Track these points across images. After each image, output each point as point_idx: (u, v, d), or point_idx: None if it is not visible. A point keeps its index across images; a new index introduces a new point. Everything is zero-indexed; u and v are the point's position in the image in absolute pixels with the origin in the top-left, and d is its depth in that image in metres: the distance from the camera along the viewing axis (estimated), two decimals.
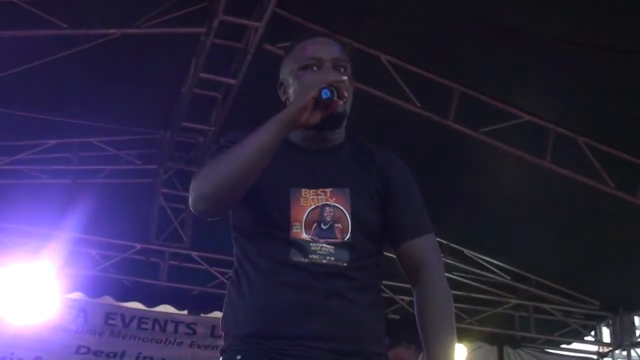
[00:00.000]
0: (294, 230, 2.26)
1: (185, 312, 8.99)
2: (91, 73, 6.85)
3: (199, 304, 8.88)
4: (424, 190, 2.47)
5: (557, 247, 8.19)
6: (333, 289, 2.23)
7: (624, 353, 9.53)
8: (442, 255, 2.59)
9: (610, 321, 9.49)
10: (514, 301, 9.36)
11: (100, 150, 8.07)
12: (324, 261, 2.25)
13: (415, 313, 2.36)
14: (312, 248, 2.25)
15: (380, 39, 6.45)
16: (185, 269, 8.77)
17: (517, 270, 9.12)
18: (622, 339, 9.31)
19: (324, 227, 2.28)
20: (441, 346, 2.29)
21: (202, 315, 8.94)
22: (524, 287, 9.22)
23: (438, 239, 2.48)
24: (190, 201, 2.26)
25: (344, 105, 2.31)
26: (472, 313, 9.15)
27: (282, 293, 2.22)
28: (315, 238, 2.26)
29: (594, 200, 7.10)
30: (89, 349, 8.32)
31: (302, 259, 2.24)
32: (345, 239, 2.28)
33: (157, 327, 8.66)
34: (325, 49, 2.41)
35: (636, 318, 9.63)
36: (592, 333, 9.75)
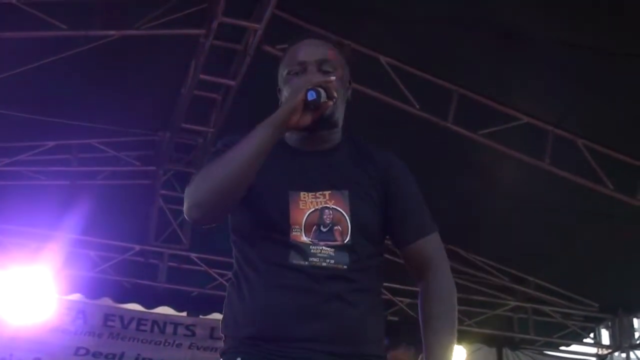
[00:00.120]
0: (294, 233, 2.26)
1: (184, 313, 9.00)
2: (91, 74, 6.85)
3: (198, 305, 8.89)
4: (422, 192, 2.47)
5: (556, 249, 8.18)
6: (333, 291, 2.23)
7: (623, 355, 9.53)
8: None
9: (610, 323, 9.48)
10: (513, 303, 9.36)
11: (100, 152, 8.07)
12: (324, 264, 2.25)
13: (419, 310, 2.37)
14: (312, 251, 2.25)
15: (380, 40, 6.45)
16: (184, 270, 8.76)
17: (516, 272, 9.11)
18: (621, 341, 9.30)
19: (324, 230, 2.28)
20: (439, 346, 2.30)
21: (201, 316, 8.95)
22: (523, 289, 9.21)
23: None
24: (184, 209, 2.26)
25: (334, 105, 2.31)
26: (471, 315, 9.15)
27: (282, 295, 2.22)
28: (315, 241, 2.26)
29: (593, 202, 7.09)
30: (87, 351, 8.33)
31: (302, 262, 2.24)
32: (345, 242, 2.28)
33: (156, 328, 8.66)
34: (310, 52, 2.41)
35: (635, 320, 9.65)
36: (591, 335, 9.75)
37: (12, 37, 6.16)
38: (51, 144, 7.88)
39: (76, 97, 7.06)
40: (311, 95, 2.21)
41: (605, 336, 9.78)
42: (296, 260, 2.24)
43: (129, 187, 8.39)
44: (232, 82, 6.71)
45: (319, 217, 2.28)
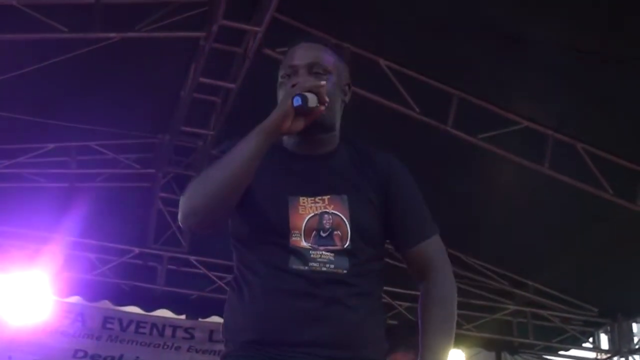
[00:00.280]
0: (293, 238, 2.26)
1: (183, 316, 9.00)
2: (90, 77, 6.85)
3: (197, 308, 8.89)
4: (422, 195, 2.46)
5: (555, 254, 8.18)
6: (333, 296, 2.23)
7: None
8: None
9: (609, 328, 9.47)
10: (512, 307, 9.35)
11: (99, 154, 8.07)
12: (324, 269, 2.25)
13: (418, 311, 2.37)
14: (311, 256, 2.25)
15: (380, 43, 6.46)
16: (183, 273, 8.76)
17: (515, 277, 9.10)
18: (621, 346, 9.29)
19: (323, 235, 2.27)
20: (436, 346, 2.30)
21: (200, 319, 8.94)
22: (522, 293, 9.20)
23: None
24: (179, 217, 2.27)
25: (328, 109, 2.30)
26: (471, 319, 9.14)
27: (282, 300, 2.22)
28: (315, 246, 2.26)
29: (593, 207, 7.09)
30: (86, 353, 8.32)
31: (301, 267, 2.24)
32: (345, 246, 2.28)
33: (155, 331, 8.65)
34: (302, 55, 2.40)
35: (634, 325, 9.62)
36: (590, 339, 9.74)
37: (12, 39, 6.16)
38: (50, 146, 7.88)
39: (76, 100, 7.06)
40: (296, 102, 2.19)
41: (604, 341, 9.76)
42: (296, 265, 2.24)
43: (128, 189, 8.39)
44: (231, 85, 6.71)
45: (318, 222, 2.28)
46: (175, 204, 7.69)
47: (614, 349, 9.43)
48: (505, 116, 6.67)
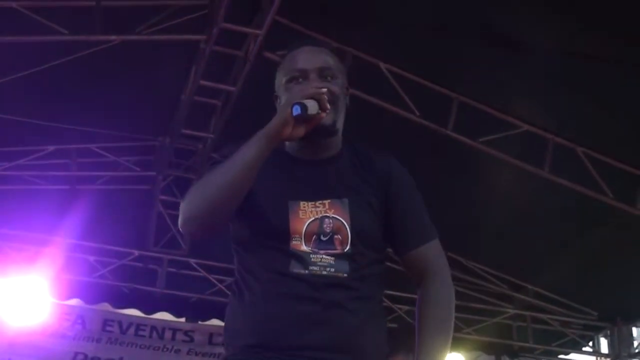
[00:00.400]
0: (294, 242, 2.27)
1: (183, 319, 8.99)
2: (91, 79, 6.85)
3: (197, 311, 8.89)
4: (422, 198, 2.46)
5: (555, 257, 8.18)
6: (333, 299, 2.23)
7: None
8: None
9: (608, 332, 9.47)
10: (511, 311, 9.35)
11: (99, 157, 8.06)
12: (324, 272, 2.25)
13: (416, 314, 2.38)
14: (312, 259, 2.25)
15: (380, 47, 6.46)
16: (183, 276, 8.76)
17: (515, 280, 9.10)
18: (620, 350, 9.29)
19: (324, 239, 2.28)
20: (432, 348, 2.30)
21: (200, 322, 8.94)
22: (522, 296, 9.20)
23: None
24: (179, 222, 2.27)
25: (332, 115, 2.30)
26: (470, 322, 9.13)
27: (282, 304, 2.23)
28: (315, 250, 2.26)
29: (593, 210, 7.09)
30: (86, 356, 8.31)
31: (302, 271, 2.24)
32: (345, 250, 2.28)
33: (154, 334, 8.65)
34: (311, 59, 2.39)
35: (634, 329, 9.62)
36: (590, 343, 9.73)
37: (13, 42, 6.16)
38: (51, 148, 7.88)
39: (76, 102, 7.06)
40: (295, 110, 2.18)
41: (604, 345, 9.76)
42: (296, 269, 2.25)
43: (128, 192, 8.39)
44: (232, 88, 6.71)
45: (319, 226, 2.28)
46: (176, 206, 7.70)
47: (614, 353, 9.43)
48: (506, 120, 6.67)
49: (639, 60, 5.69)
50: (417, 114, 6.62)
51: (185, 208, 2.25)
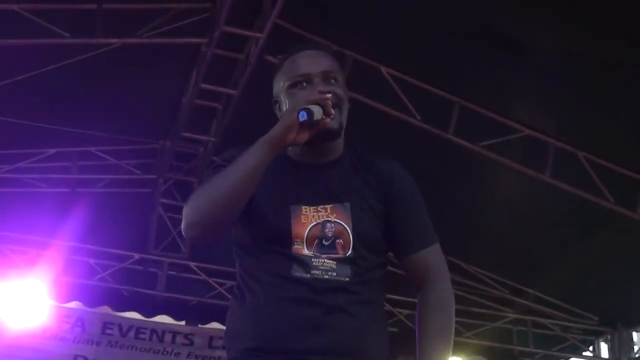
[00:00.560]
0: (296, 246, 2.27)
1: (183, 322, 9.00)
2: (92, 82, 6.85)
3: (197, 314, 8.89)
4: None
5: (556, 262, 8.17)
6: (335, 303, 2.23)
7: None
8: None
9: (609, 336, 9.45)
10: (512, 315, 9.34)
11: (100, 160, 8.07)
12: (326, 276, 2.25)
13: (416, 319, 2.37)
14: (314, 263, 2.25)
15: (381, 51, 6.46)
16: (183, 279, 8.76)
17: (515, 284, 9.09)
18: (621, 355, 9.27)
19: (326, 243, 2.27)
20: (434, 353, 2.29)
21: (199, 326, 8.94)
22: (522, 301, 9.19)
23: None
24: (182, 228, 2.28)
25: (334, 120, 2.29)
26: (470, 327, 9.12)
27: (284, 308, 2.23)
28: (317, 254, 2.26)
29: (594, 215, 7.08)
30: (86, 359, 8.32)
31: (304, 275, 2.24)
32: (347, 255, 2.28)
33: (154, 337, 8.65)
34: (314, 63, 2.37)
35: (635, 334, 9.60)
36: (591, 348, 9.71)
37: (14, 44, 6.16)
38: (51, 151, 7.88)
39: (77, 105, 7.07)
40: (302, 116, 2.17)
41: (604, 349, 9.74)
42: (298, 272, 2.24)
43: (128, 195, 8.39)
44: (233, 92, 6.72)
45: (320, 231, 2.28)
46: (176, 209, 7.73)
47: (614, 358, 9.41)
48: (507, 124, 6.67)
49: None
50: (418, 118, 6.62)
51: (188, 213, 2.25)
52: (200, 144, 7.91)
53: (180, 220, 2.31)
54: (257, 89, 6.04)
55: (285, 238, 2.27)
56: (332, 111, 2.23)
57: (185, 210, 2.26)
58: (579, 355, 9.80)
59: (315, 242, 2.27)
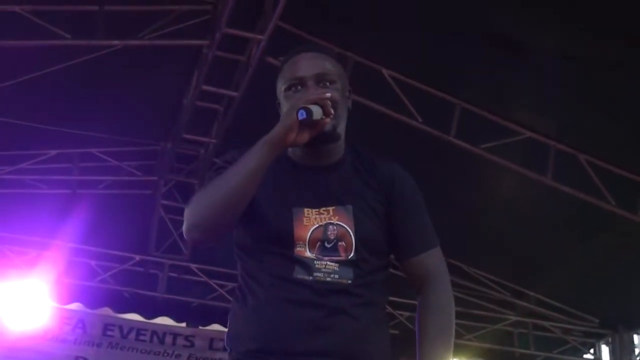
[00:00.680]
0: (298, 249, 2.26)
1: (183, 324, 8.99)
2: (93, 84, 6.86)
3: (198, 316, 8.89)
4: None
5: (556, 264, 8.17)
6: (337, 305, 2.23)
7: None
8: None
9: (610, 339, 9.45)
10: (513, 318, 9.34)
11: (101, 161, 8.08)
12: (328, 279, 2.25)
13: (416, 322, 2.36)
14: (316, 266, 2.25)
15: (382, 53, 6.46)
16: (184, 281, 8.76)
17: (516, 287, 9.09)
18: (622, 357, 9.27)
19: (328, 246, 2.27)
20: (434, 356, 2.29)
21: (200, 327, 8.94)
22: (523, 303, 9.19)
23: None
24: (184, 230, 2.27)
25: (333, 121, 2.29)
26: (471, 329, 9.13)
27: (286, 309, 2.22)
28: (319, 256, 2.26)
29: (595, 217, 7.08)
30: None
31: (306, 277, 2.24)
32: (349, 257, 2.27)
33: (155, 339, 8.65)
34: (308, 66, 2.37)
35: (635, 336, 9.60)
36: (592, 351, 9.71)
37: (16, 46, 6.17)
38: (53, 152, 7.89)
39: (78, 106, 7.07)
40: (301, 115, 2.17)
41: (605, 352, 9.73)
42: (301, 275, 2.24)
43: (129, 196, 8.39)
44: (234, 93, 6.72)
45: (323, 233, 2.28)
46: (177, 211, 7.73)
47: None
48: (508, 126, 6.67)
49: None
50: (419, 120, 6.62)
51: (189, 215, 2.25)
52: (201, 146, 7.91)
53: (181, 222, 2.30)
54: (258, 91, 6.03)
55: (287, 240, 2.27)
56: (332, 111, 2.22)
57: (186, 212, 2.26)
58: (580, 357, 9.79)
59: (318, 245, 2.26)
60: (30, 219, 7.90)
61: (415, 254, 2.38)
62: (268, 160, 2.21)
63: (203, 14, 6.33)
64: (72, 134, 7.43)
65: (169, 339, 8.69)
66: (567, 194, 6.80)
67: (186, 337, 8.78)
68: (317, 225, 2.28)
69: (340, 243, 2.27)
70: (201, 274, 8.67)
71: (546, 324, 9.30)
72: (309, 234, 2.27)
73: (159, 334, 8.69)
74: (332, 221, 2.29)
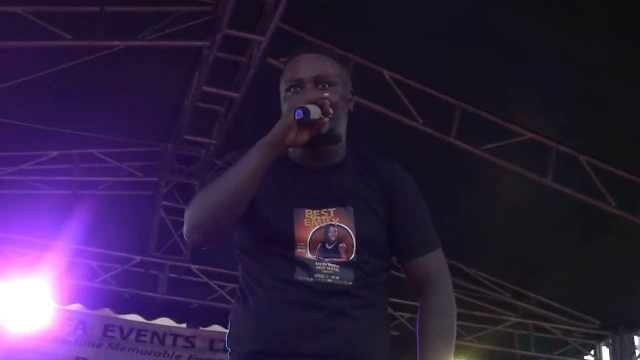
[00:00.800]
0: (299, 250, 2.26)
1: (184, 325, 8.98)
2: (94, 85, 6.86)
3: (198, 317, 8.88)
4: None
5: (557, 266, 8.17)
6: (338, 307, 2.22)
7: None
8: None
9: (611, 341, 9.45)
10: (514, 319, 9.34)
11: (102, 162, 8.08)
12: (329, 280, 2.24)
13: (417, 325, 2.36)
14: (317, 267, 2.24)
15: (384, 55, 6.46)
16: (185, 282, 8.76)
17: (517, 288, 9.09)
18: (622, 359, 9.27)
19: (329, 247, 2.27)
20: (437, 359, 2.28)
21: (201, 328, 8.93)
22: (524, 305, 9.19)
23: None
24: (184, 232, 2.27)
25: (333, 121, 2.29)
26: (472, 331, 9.12)
27: (287, 311, 2.22)
28: (321, 258, 2.25)
29: (595, 219, 7.08)
30: None
31: (307, 279, 2.24)
32: (350, 259, 2.27)
33: (155, 340, 8.64)
34: (308, 68, 2.36)
35: (636, 338, 9.59)
36: (592, 352, 9.71)
37: (17, 47, 6.17)
38: (54, 153, 7.89)
39: (79, 107, 7.08)
40: (298, 115, 2.16)
41: (606, 354, 9.73)
42: (302, 276, 2.24)
43: (130, 197, 8.40)
44: (235, 95, 6.72)
45: (324, 235, 2.27)
46: (178, 212, 7.71)
47: None
48: (509, 128, 6.67)
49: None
50: (420, 121, 6.62)
51: (189, 217, 2.25)
52: (202, 147, 7.92)
53: (182, 223, 2.30)
54: (259, 92, 6.04)
55: (289, 241, 2.26)
56: (331, 110, 2.22)
57: (186, 214, 2.26)
58: (581, 359, 9.78)
59: (319, 247, 2.26)
60: (31, 220, 7.90)
61: (416, 256, 2.37)
62: (268, 161, 2.20)
63: (204, 15, 6.33)
64: (72, 135, 7.43)
65: (169, 340, 8.69)
66: (569, 196, 6.79)
67: (187, 338, 8.77)
68: (318, 226, 2.28)
69: (341, 245, 2.27)
70: (202, 275, 8.66)
71: (547, 325, 9.30)
72: (310, 236, 2.26)
73: (160, 335, 8.68)
74: (333, 223, 2.29)
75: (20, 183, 7.95)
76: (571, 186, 6.76)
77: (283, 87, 2.40)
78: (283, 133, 2.19)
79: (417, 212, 2.42)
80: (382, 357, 2.31)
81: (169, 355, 8.59)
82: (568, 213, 7.23)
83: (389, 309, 2.45)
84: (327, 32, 6.04)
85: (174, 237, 8.35)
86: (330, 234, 2.27)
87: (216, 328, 8.73)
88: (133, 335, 8.61)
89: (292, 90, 2.36)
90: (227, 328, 2.38)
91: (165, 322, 8.85)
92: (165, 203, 8.33)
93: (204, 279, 8.67)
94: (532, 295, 9.12)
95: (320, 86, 2.34)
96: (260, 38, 6.07)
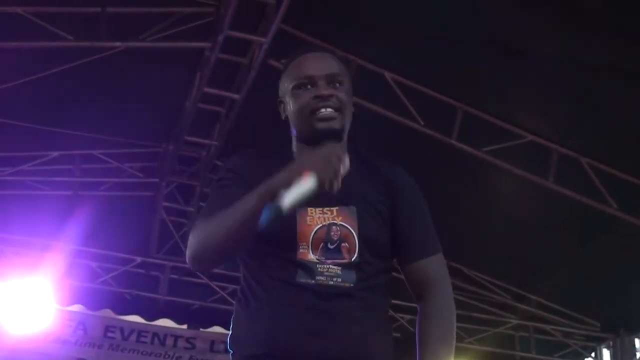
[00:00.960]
0: (301, 251, 2.25)
1: (184, 326, 8.98)
2: (95, 85, 6.87)
3: (199, 318, 8.88)
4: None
5: (558, 267, 8.16)
6: (339, 309, 2.22)
7: None
8: None
9: (611, 343, 9.44)
10: (514, 321, 9.33)
11: (103, 163, 8.08)
12: (331, 282, 2.24)
13: (416, 328, 2.35)
14: (318, 269, 2.24)
15: (385, 56, 6.46)
16: (185, 283, 8.76)
17: (517, 290, 9.09)
18: None
19: (331, 247, 2.26)
20: None
21: (201, 329, 8.93)
22: (525, 307, 9.19)
23: None
24: (187, 258, 2.30)
25: (336, 121, 2.30)
26: (472, 332, 9.11)
27: (288, 313, 2.22)
28: (322, 259, 2.25)
29: (596, 220, 7.08)
30: None
31: (308, 280, 2.23)
32: (352, 259, 2.26)
33: (156, 341, 8.64)
34: (318, 66, 2.37)
35: (637, 340, 9.58)
36: (593, 354, 9.70)
37: (18, 47, 6.17)
38: (54, 154, 7.89)
39: (80, 108, 7.08)
40: (310, 183, 2.08)
41: (606, 356, 9.72)
42: (303, 278, 2.23)
43: (131, 198, 8.40)
44: (236, 96, 6.72)
45: (326, 234, 2.27)
46: (179, 213, 7.71)
47: None
48: (510, 130, 6.67)
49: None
50: (422, 123, 6.62)
51: (190, 246, 2.28)
52: (203, 148, 7.92)
53: (182, 224, 2.31)
54: (260, 93, 6.03)
55: (290, 241, 2.26)
56: (335, 188, 2.13)
57: (189, 243, 2.29)
58: None
59: (321, 246, 2.25)
60: (31, 221, 7.90)
61: (415, 259, 2.37)
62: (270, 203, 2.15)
63: (205, 16, 6.33)
64: (73, 135, 7.44)
65: (170, 341, 8.69)
66: (569, 197, 6.79)
67: (187, 339, 8.78)
68: (321, 225, 2.27)
69: (343, 244, 2.27)
70: (202, 276, 8.66)
71: (547, 327, 9.29)
72: (312, 234, 2.26)
73: (160, 336, 8.68)
74: (335, 221, 2.28)
75: (21, 183, 7.95)
76: (572, 188, 6.76)
77: (289, 84, 2.38)
78: (287, 186, 2.10)
79: (418, 215, 2.41)
80: (383, 358, 2.31)
81: (169, 356, 8.59)
82: (568, 214, 7.22)
83: (390, 310, 2.44)
84: (328, 33, 6.03)
85: (175, 238, 8.35)
86: (332, 233, 2.27)
87: (217, 329, 8.73)
88: (133, 336, 8.61)
89: (303, 87, 2.35)
90: (227, 329, 2.38)
91: (165, 323, 8.85)
92: (166, 204, 8.33)
93: (205, 280, 8.67)
94: (533, 297, 9.11)
95: (332, 85, 2.34)
96: (262, 39, 6.08)
